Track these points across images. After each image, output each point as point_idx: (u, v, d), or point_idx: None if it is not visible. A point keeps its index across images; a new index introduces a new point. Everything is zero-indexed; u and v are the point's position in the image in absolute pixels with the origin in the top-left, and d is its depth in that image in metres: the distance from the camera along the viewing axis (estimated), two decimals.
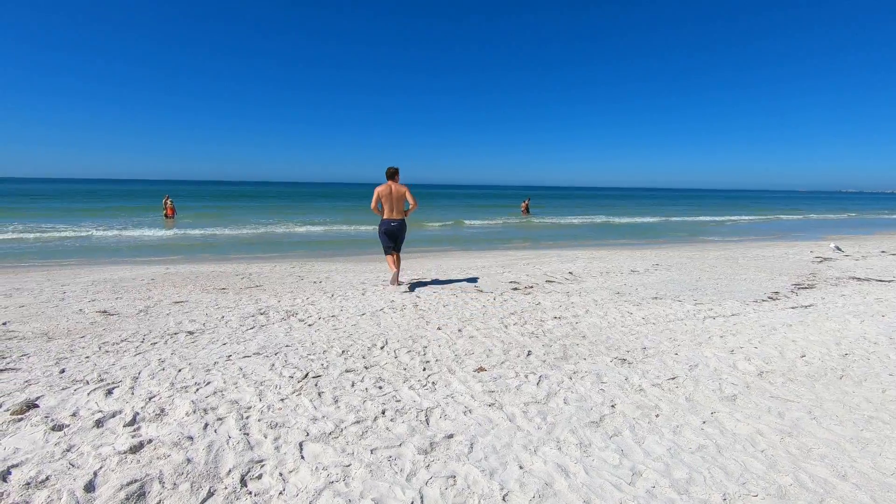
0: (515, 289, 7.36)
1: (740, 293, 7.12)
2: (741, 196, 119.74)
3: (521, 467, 2.49)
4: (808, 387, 3.57)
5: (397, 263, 7.42)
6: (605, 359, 4.13)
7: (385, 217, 7.16)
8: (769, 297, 6.80)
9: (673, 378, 3.70)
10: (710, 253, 12.93)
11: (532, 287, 7.53)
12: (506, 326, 5.10)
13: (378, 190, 7.07)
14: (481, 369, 3.83)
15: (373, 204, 7.13)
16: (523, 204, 33.58)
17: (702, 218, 33.86)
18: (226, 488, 2.28)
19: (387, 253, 7.44)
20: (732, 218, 33.32)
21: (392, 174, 7.07)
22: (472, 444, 2.70)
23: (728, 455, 2.63)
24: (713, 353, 4.29)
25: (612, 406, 3.21)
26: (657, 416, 3.09)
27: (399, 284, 7.46)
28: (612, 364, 4.00)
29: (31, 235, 16.89)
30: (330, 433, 2.79)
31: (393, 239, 7.29)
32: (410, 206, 7.27)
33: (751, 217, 34.98)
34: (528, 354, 4.21)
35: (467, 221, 26.17)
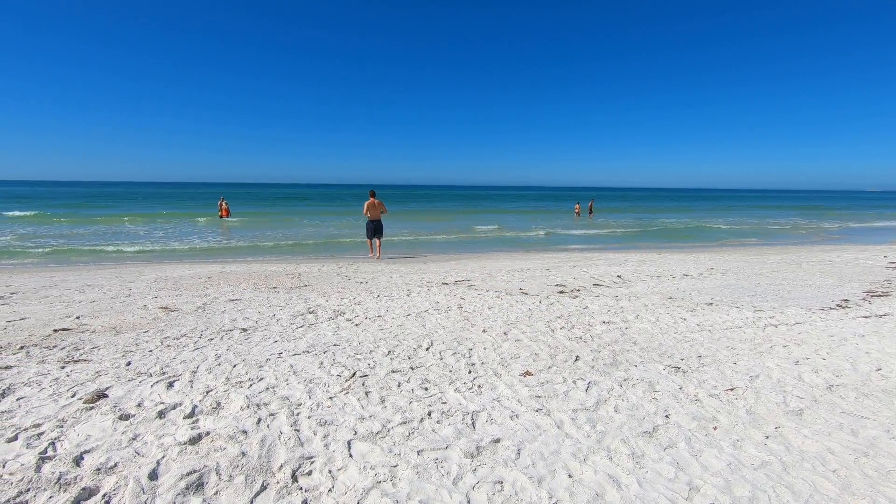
0: (562, 292, 7.22)
1: (805, 300, 6.69)
2: (804, 196, 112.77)
3: (570, 476, 2.43)
4: (886, 403, 3.29)
5: (378, 247, 12.19)
6: (658, 366, 3.97)
7: (369, 218, 12.05)
8: (838, 305, 6.36)
9: (732, 389, 3.51)
10: (770, 257, 12.24)
11: (579, 290, 7.36)
12: (552, 330, 5.00)
13: (366, 203, 12.06)
14: (528, 374, 3.77)
15: (364, 210, 12.07)
16: (577, 206, 32.44)
17: (761, 221, 32.13)
18: (278, 483, 2.34)
19: (368, 237, 12.30)
20: (807, 223, 28.86)
21: (372, 193, 12.18)
22: (519, 450, 2.65)
23: (795, 474, 2.46)
24: (776, 363, 4.04)
25: (666, 416, 3.08)
26: (715, 428, 2.93)
27: (378, 259, 11.83)
28: (666, 372, 3.84)
29: (102, 237, 18.10)
30: (377, 433, 2.81)
31: (375, 231, 12.10)
32: (384, 211, 12.18)
33: (833, 224, 29.59)
34: (576, 360, 4.11)
35: (512, 225, 25.80)
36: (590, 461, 2.56)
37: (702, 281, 8.29)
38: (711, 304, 6.41)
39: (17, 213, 26.49)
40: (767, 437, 2.82)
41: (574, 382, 3.59)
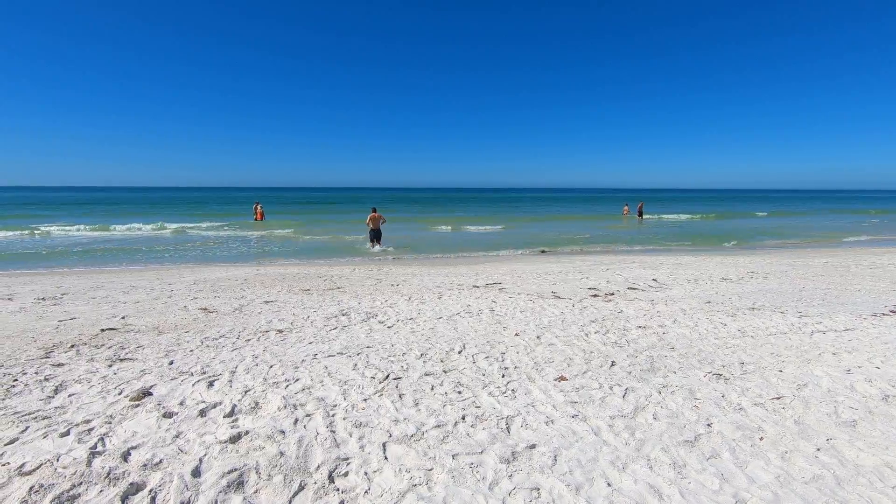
0: (595, 295, 7.10)
1: (855, 305, 6.37)
2: (853, 197, 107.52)
3: (609, 484, 2.37)
4: None
5: (378, 243, 15.41)
6: (698, 373, 3.84)
7: (371, 228, 15.37)
8: (891, 311, 6.03)
9: (778, 398, 3.36)
10: (815, 260, 11.73)
11: (613, 294, 7.22)
12: (586, 335, 4.92)
13: (369, 216, 15.40)
14: (562, 378, 3.71)
15: (367, 221, 15.45)
16: (625, 207, 31.83)
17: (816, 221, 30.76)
18: (315, 483, 2.37)
19: (370, 240, 15.53)
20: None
21: (374, 210, 15.60)
22: (555, 457, 2.61)
23: (850, 489, 2.34)
24: (825, 371, 3.86)
25: (709, 425, 2.97)
26: (761, 438, 2.82)
27: (375, 247, 15.32)
28: (707, 379, 3.71)
29: (144, 237, 18.84)
30: (412, 436, 2.81)
31: (375, 236, 15.40)
32: (383, 221, 15.55)
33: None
34: (612, 365, 4.02)
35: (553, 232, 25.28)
36: (629, 470, 2.49)
37: (742, 285, 8.00)
38: (753, 308, 6.17)
39: (52, 229, 26.48)
40: (819, 450, 2.69)
41: (611, 388, 3.52)
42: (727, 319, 5.55)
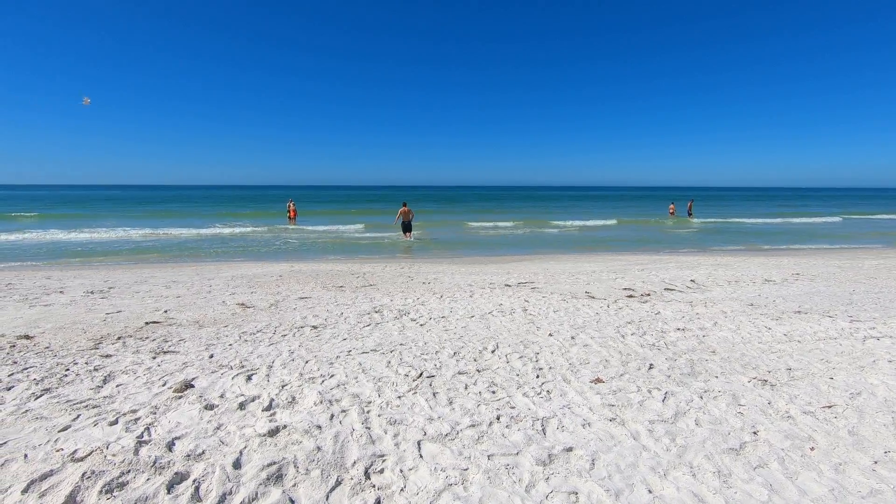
0: (630, 296, 6.93)
1: None
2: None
3: (650, 491, 2.30)
4: None
5: (410, 235, 17.73)
6: (742, 378, 3.70)
7: (403, 220, 17.57)
8: None
9: (829, 406, 3.20)
10: (865, 262, 11.16)
11: (649, 295, 7.04)
12: (622, 336, 4.80)
13: (400, 210, 17.69)
14: (599, 380, 3.63)
15: (398, 214, 17.71)
16: (672, 206, 31.29)
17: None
18: (352, 479, 2.39)
19: (402, 231, 17.81)
20: None
21: (405, 203, 17.89)
22: (593, 460, 2.55)
23: None
24: (881, 379, 3.65)
25: (755, 433, 2.85)
26: (812, 449, 2.68)
27: (410, 238, 17.65)
28: (751, 385, 3.57)
29: (182, 236, 19.48)
30: (446, 434, 2.80)
31: (406, 227, 17.66)
32: (412, 216, 17.75)
33: None
34: (650, 368, 3.91)
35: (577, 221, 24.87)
36: (671, 477, 2.42)
37: (786, 287, 7.68)
38: (799, 312, 5.91)
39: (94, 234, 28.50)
40: (876, 463, 2.54)
41: (649, 392, 3.42)
42: (772, 323, 5.33)
